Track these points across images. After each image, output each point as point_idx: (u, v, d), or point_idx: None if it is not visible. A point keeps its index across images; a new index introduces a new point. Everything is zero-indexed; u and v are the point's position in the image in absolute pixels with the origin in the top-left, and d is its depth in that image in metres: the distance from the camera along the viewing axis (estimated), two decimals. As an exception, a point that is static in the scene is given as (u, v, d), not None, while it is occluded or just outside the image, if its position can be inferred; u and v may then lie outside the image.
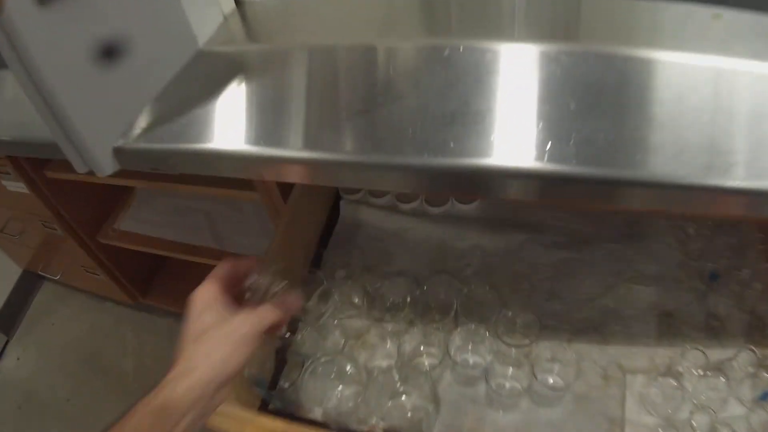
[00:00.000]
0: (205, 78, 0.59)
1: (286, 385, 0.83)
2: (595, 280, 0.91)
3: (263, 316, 0.58)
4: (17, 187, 1.52)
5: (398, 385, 0.80)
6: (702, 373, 0.76)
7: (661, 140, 0.44)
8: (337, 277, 0.95)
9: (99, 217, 1.71)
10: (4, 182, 1.51)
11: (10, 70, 0.48)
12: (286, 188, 1.12)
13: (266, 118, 0.54)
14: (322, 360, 0.82)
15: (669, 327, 0.84)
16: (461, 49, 0.50)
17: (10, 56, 0.47)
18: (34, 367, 1.95)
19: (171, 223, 1.67)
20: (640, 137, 0.44)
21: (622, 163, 0.44)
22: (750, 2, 0.50)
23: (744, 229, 0.93)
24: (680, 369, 0.78)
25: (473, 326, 0.83)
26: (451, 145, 0.47)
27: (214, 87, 0.57)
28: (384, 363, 0.84)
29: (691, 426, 0.72)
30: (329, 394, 0.82)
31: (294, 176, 0.56)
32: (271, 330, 0.59)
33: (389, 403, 0.79)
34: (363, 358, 0.85)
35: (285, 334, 0.86)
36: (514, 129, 0.47)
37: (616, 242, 0.95)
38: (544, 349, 0.81)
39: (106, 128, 0.56)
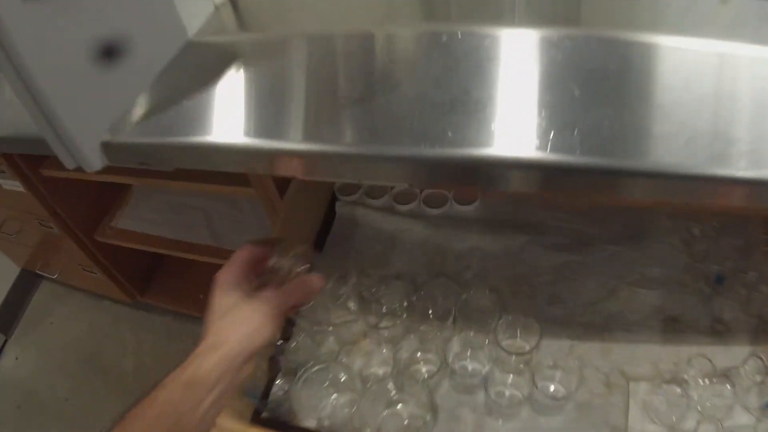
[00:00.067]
0: (195, 69, 0.58)
1: (280, 393, 0.81)
2: (597, 283, 0.89)
3: (288, 294, 0.61)
4: (13, 185, 1.52)
5: (394, 393, 0.78)
6: (708, 381, 0.74)
7: (668, 129, 0.43)
8: (332, 280, 0.93)
9: (96, 216, 1.71)
10: (-1, 181, 1.50)
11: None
12: (282, 184, 1.10)
13: (258, 110, 0.53)
14: (316, 367, 0.80)
15: (673, 332, 0.82)
16: (460, 35, 0.49)
17: (-4, 51, 0.46)
18: (33, 366, 1.95)
19: (168, 220, 1.67)
20: (645, 126, 0.43)
21: (629, 153, 0.42)
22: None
23: (750, 230, 0.91)
24: (685, 376, 0.76)
25: (472, 332, 0.82)
26: (450, 134, 0.45)
27: (204, 79, 0.56)
28: (380, 370, 0.83)
29: (696, 435, 0.71)
30: (323, 402, 0.80)
31: (287, 169, 0.55)
32: (292, 309, 0.63)
33: (385, 412, 0.78)
34: (358, 366, 0.84)
35: (278, 341, 0.84)
36: (515, 117, 0.45)
37: (619, 244, 0.93)
38: (545, 355, 0.80)
39: (93, 123, 0.55)
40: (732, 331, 0.81)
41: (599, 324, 0.84)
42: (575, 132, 0.43)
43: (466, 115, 0.45)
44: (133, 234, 1.67)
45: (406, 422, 0.78)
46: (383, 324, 0.86)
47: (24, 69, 0.47)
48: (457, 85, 0.47)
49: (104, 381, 1.85)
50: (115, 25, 0.53)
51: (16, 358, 1.97)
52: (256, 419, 0.80)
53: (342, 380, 0.80)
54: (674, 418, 0.73)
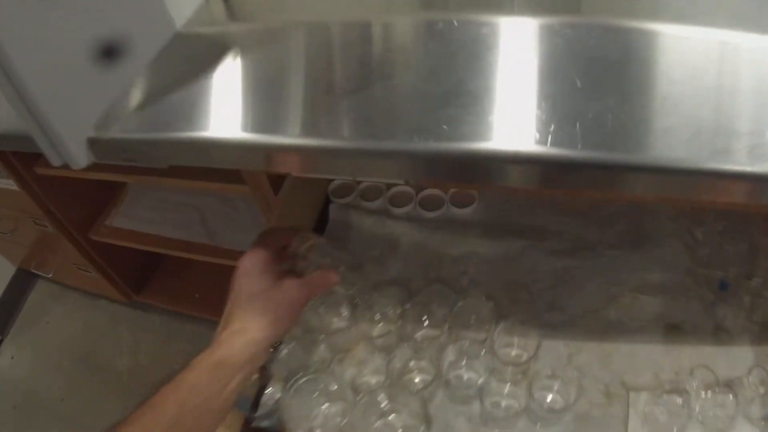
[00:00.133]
0: (184, 62, 0.57)
1: (270, 403, 0.79)
2: (597, 289, 0.87)
3: (309, 286, 0.63)
4: (7, 184, 1.52)
5: (387, 403, 0.76)
6: (710, 392, 0.73)
7: (672, 122, 0.41)
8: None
9: (91, 214, 1.70)
10: (-7, 179, 1.49)
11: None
12: (277, 181, 1.09)
13: (249, 103, 0.52)
14: (308, 377, 0.79)
15: (675, 340, 0.80)
16: (455, 23, 0.47)
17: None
18: (29, 366, 1.95)
19: (163, 219, 1.66)
20: (648, 118, 0.42)
21: (632, 147, 0.41)
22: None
23: (754, 234, 0.89)
24: (687, 387, 0.74)
25: (468, 340, 0.80)
26: (445, 128, 0.43)
27: (193, 72, 0.54)
28: (373, 379, 0.81)
29: (698, 447, 0.69)
30: (315, 412, 0.78)
31: (279, 164, 0.55)
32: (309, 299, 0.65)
33: (378, 423, 0.76)
34: (351, 374, 0.82)
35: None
36: (513, 110, 0.43)
37: (620, 248, 0.91)
38: (543, 365, 0.78)
39: (79, 118, 0.54)
40: (735, 340, 0.79)
41: (599, 332, 0.82)
42: (577, 125, 0.41)
43: (461, 107, 0.44)
44: (128, 232, 1.67)
45: (399, 433, 0.76)
46: (377, 332, 0.84)
47: (7, 62, 0.46)
48: (453, 76, 0.45)
49: (101, 380, 1.85)
50: (99, 17, 0.52)
51: (12, 358, 1.97)
52: (246, 429, 0.79)
53: (334, 390, 0.78)
54: (675, 430, 0.71)
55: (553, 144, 0.41)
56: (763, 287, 0.83)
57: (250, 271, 0.61)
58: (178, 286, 1.88)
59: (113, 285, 1.84)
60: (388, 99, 0.46)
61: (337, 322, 0.85)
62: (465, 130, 0.43)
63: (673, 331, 0.81)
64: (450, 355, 0.80)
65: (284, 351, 0.83)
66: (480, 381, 0.77)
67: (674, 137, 0.41)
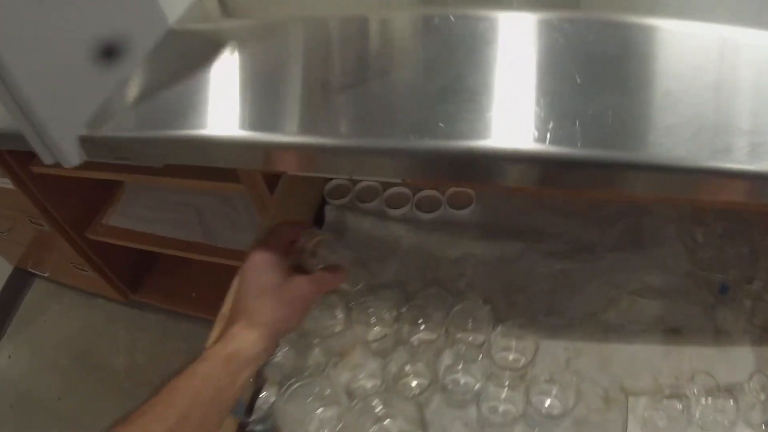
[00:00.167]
0: (177, 59, 0.56)
1: (264, 407, 0.78)
2: (596, 292, 0.86)
3: (319, 282, 0.64)
4: (3, 182, 1.53)
5: (382, 408, 0.75)
6: (710, 397, 0.72)
7: (673, 120, 0.41)
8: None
9: (87, 213, 1.70)
10: (-11, 178, 1.49)
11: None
12: (272, 180, 1.09)
13: (244, 100, 0.51)
14: (302, 381, 0.78)
15: (675, 344, 0.79)
16: (453, 18, 0.47)
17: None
18: (26, 365, 1.94)
19: (160, 218, 1.66)
20: (649, 115, 0.41)
21: (632, 145, 0.40)
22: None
23: (755, 236, 0.88)
24: (687, 392, 0.73)
25: (465, 344, 0.79)
26: (442, 125, 0.43)
27: (187, 69, 0.54)
28: (368, 384, 0.80)
29: (698, 454, 0.68)
30: (309, 417, 0.77)
31: (274, 162, 0.54)
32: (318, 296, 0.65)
33: (373, 428, 0.75)
34: (346, 379, 0.81)
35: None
36: (511, 107, 0.43)
37: (619, 250, 0.90)
38: (541, 369, 0.77)
39: (70, 116, 0.54)
40: (736, 343, 0.78)
41: (598, 336, 0.81)
42: (576, 122, 0.41)
43: (458, 104, 0.43)
44: (125, 231, 1.66)
45: (395, 438, 0.75)
46: (372, 335, 0.83)
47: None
48: (450, 72, 0.45)
49: (97, 379, 1.84)
50: (91, 14, 0.52)
51: (9, 357, 1.97)
52: (239, 435, 0.78)
53: (329, 394, 0.78)
54: (675, 435, 0.70)
55: (552, 142, 0.41)
56: (763, 290, 0.82)
57: (260, 265, 0.61)
58: (174, 285, 1.88)
59: (110, 284, 1.84)
60: (385, 96, 0.46)
61: (333, 326, 0.84)
62: (462, 127, 0.42)
63: (673, 334, 0.80)
64: (447, 359, 0.79)
65: (279, 355, 0.82)
66: (477, 385, 0.76)
67: (675, 135, 0.40)
